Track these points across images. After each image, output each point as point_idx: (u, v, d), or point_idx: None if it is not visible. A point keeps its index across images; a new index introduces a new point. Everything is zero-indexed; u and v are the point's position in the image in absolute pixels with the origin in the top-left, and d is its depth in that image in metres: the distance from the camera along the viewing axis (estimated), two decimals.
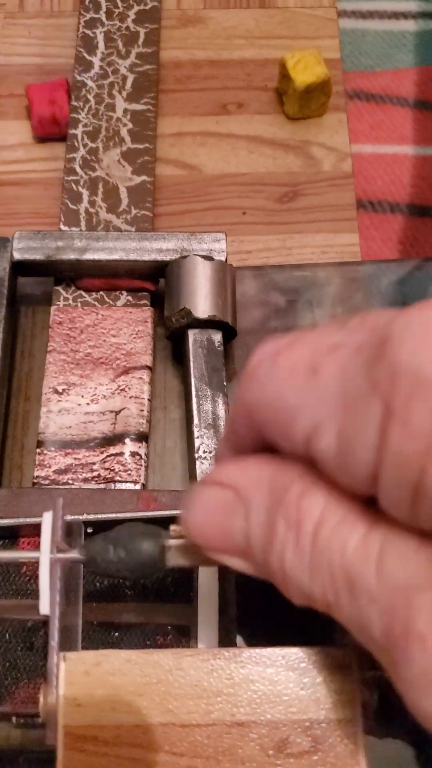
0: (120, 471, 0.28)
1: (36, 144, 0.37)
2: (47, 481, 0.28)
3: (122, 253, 0.31)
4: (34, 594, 0.21)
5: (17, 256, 0.31)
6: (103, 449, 0.29)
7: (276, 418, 0.17)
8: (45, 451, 0.29)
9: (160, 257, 0.31)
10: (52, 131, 0.36)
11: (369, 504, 0.16)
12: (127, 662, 0.19)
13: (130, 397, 0.30)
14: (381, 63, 0.41)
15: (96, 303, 0.32)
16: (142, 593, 0.25)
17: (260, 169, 0.37)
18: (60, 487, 0.28)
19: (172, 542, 0.20)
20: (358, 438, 0.15)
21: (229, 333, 0.30)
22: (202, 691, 0.19)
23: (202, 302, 0.29)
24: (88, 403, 0.30)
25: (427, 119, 0.40)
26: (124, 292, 0.32)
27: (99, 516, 0.25)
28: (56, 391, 0.30)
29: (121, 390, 0.30)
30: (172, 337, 0.31)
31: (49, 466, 0.28)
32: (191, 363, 0.29)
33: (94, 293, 0.32)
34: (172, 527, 0.20)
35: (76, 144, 0.35)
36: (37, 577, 0.22)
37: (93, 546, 0.21)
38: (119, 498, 0.27)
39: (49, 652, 0.20)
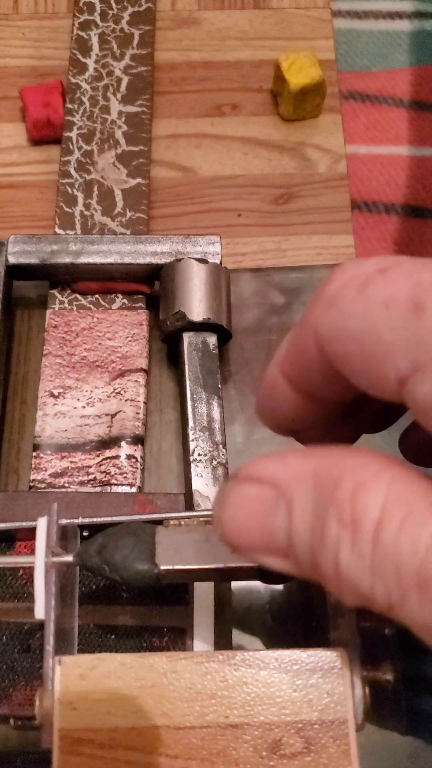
0: (116, 474, 0.28)
1: (31, 147, 0.37)
2: (43, 485, 0.28)
3: (117, 257, 0.31)
4: (31, 597, 0.21)
5: (12, 260, 0.31)
6: (99, 452, 0.29)
7: (363, 352, 0.16)
8: (41, 455, 0.29)
9: (155, 260, 0.31)
10: (46, 134, 0.36)
11: None
12: (122, 665, 0.20)
13: (126, 400, 0.30)
14: (376, 63, 0.41)
15: (91, 306, 0.32)
16: (138, 595, 0.26)
17: (255, 171, 0.37)
18: (56, 490, 0.28)
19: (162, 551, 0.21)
20: None
21: (224, 335, 0.31)
22: (197, 693, 0.19)
23: (196, 305, 0.30)
24: (83, 406, 0.30)
25: (422, 119, 0.40)
26: (120, 295, 0.32)
27: (95, 519, 0.25)
28: (52, 395, 0.30)
29: (116, 393, 0.30)
30: (167, 340, 0.31)
31: (45, 470, 0.29)
32: (186, 366, 0.29)
33: (89, 296, 0.32)
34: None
35: (70, 147, 0.35)
36: (33, 579, 0.22)
37: (88, 562, 0.21)
38: (115, 501, 0.27)
39: (44, 656, 0.20)
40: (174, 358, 0.31)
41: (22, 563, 0.22)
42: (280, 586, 0.25)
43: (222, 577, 0.21)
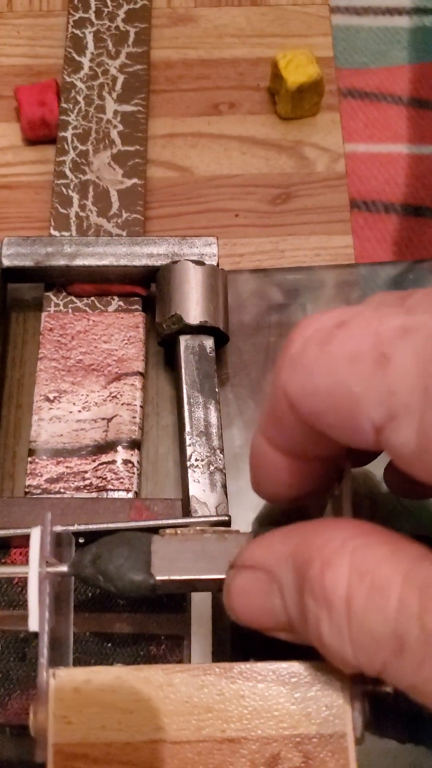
0: (112, 479, 0.28)
1: (25, 147, 0.37)
2: (39, 490, 0.28)
3: (112, 259, 0.31)
4: (26, 605, 0.21)
5: (6, 262, 0.30)
6: (95, 457, 0.29)
7: (335, 407, 0.16)
8: (37, 460, 0.28)
9: (151, 262, 0.31)
10: (41, 133, 0.36)
11: (407, 541, 0.15)
12: (117, 679, 0.19)
13: (122, 404, 0.29)
14: (375, 60, 0.41)
15: (87, 309, 0.31)
16: (135, 603, 0.25)
17: (253, 170, 0.36)
18: (52, 496, 0.28)
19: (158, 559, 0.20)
20: None
21: (221, 338, 0.30)
22: (193, 707, 0.19)
23: (193, 308, 0.29)
24: (79, 411, 0.29)
25: (421, 117, 0.39)
26: (116, 298, 0.32)
27: (90, 527, 0.25)
28: (48, 399, 0.30)
29: (113, 397, 0.30)
30: (163, 343, 0.31)
31: (41, 475, 0.28)
32: (183, 370, 0.29)
33: (85, 299, 0.32)
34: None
35: (65, 147, 0.34)
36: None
37: (82, 572, 0.21)
38: (111, 507, 0.27)
39: (38, 668, 0.20)
40: (171, 361, 0.31)
41: (16, 573, 0.22)
42: None
43: (218, 587, 0.20)
